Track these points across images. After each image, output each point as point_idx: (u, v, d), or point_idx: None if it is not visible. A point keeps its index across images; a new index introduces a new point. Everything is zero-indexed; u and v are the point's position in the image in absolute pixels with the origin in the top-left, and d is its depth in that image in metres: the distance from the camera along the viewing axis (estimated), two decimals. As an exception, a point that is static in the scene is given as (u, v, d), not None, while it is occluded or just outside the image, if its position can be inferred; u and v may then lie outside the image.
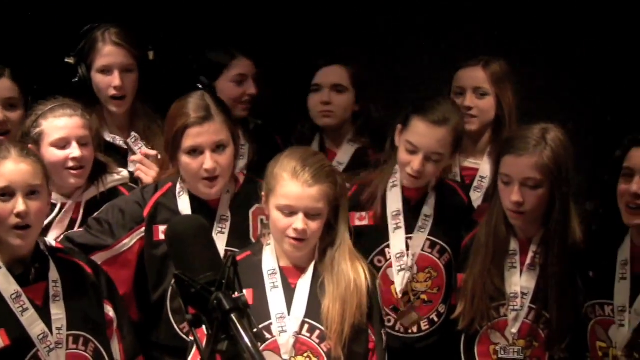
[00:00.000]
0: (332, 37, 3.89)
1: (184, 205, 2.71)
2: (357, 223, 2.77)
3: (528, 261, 2.63)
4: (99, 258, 2.63)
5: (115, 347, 2.49)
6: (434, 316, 2.81)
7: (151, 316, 2.72)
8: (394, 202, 2.80)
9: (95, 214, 2.73)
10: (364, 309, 2.49)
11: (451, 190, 2.90)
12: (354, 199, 2.78)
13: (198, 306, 1.82)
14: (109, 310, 2.49)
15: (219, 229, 2.69)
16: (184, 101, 2.67)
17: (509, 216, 2.60)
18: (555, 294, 2.58)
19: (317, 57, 3.37)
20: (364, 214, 2.81)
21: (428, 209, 2.81)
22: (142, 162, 2.95)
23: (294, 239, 2.46)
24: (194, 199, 2.71)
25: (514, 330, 2.62)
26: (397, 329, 2.80)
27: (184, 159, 2.64)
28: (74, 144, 2.73)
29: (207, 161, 2.61)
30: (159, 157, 2.94)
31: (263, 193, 2.54)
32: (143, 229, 2.68)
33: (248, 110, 3.31)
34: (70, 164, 2.73)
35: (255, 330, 1.73)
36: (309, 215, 2.45)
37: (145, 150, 3.02)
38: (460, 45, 3.76)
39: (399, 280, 2.77)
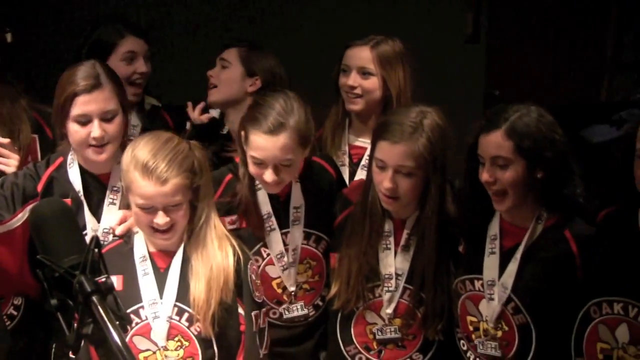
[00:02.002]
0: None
1: (75, 176, 2.69)
2: (230, 227, 2.70)
3: (402, 242, 2.64)
4: None
5: None
6: (318, 301, 2.80)
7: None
8: (263, 205, 2.74)
9: None
10: (231, 287, 2.46)
11: (319, 168, 2.86)
12: (224, 204, 2.72)
13: (63, 290, 1.80)
14: None
15: (111, 200, 2.67)
16: (74, 69, 2.64)
17: (382, 200, 2.60)
18: (431, 275, 2.60)
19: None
20: (234, 217, 2.74)
21: (296, 201, 2.75)
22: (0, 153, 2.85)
23: (159, 231, 2.43)
24: (84, 170, 2.69)
25: (389, 310, 2.64)
26: (284, 318, 2.77)
27: (72, 126, 2.61)
28: None
29: (95, 129, 2.59)
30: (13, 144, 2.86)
31: (123, 184, 2.50)
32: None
33: (139, 95, 3.26)
34: None
35: (120, 313, 1.73)
36: (169, 208, 2.41)
37: None
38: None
39: (287, 278, 2.75)
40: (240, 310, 2.50)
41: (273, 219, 2.74)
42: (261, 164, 2.62)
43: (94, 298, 1.72)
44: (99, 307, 1.71)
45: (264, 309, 2.58)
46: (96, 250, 1.80)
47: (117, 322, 1.73)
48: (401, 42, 3.14)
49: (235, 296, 2.48)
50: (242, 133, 2.66)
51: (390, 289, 2.63)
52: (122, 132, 2.67)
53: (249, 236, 2.74)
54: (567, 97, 4.58)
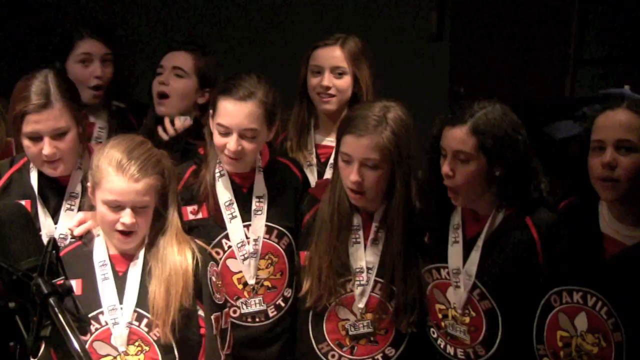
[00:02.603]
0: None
1: (34, 181, 2.68)
2: (191, 217, 2.72)
3: (371, 236, 2.65)
4: None
5: None
6: (280, 301, 2.78)
7: None
8: (225, 191, 2.74)
9: None
10: (190, 292, 2.47)
11: (284, 167, 2.88)
12: (186, 192, 2.73)
13: (22, 293, 1.79)
14: None
15: (68, 206, 2.66)
16: (27, 83, 2.62)
17: (349, 195, 2.62)
18: (400, 267, 2.62)
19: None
20: (196, 207, 2.75)
21: (259, 190, 2.77)
22: None
23: (122, 233, 2.43)
24: (43, 175, 2.68)
25: (361, 305, 2.65)
26: (243, 319, 2.76)
27: (25, 142, 2.62)
28: None
29: (46, 147, 2.58)
30: None
31: (89, 184, 2.49)
32: None
33: (98, 98, 3.21)
34: None
35: (79, 315, 1.73)
36: (136, 209, 2.42)
37: None
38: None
39: (247, 269, 2.74)
40: (201, 313, 2.51)
41: (235, 206, 2.74)
42: (226, 133, 2.65)
43: (51, 300, 1.73)
44: (56, 309, 1.72)
45: (225, 310, 2.59)
46: (54, 252, 1.81)
47: (76, 324, 1.73)
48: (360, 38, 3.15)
49: (195, 300, 2.49)
50: (211, 111, 2.71)
51: (362, 282, 2.64)
52: (74, 147, 2.65)
53: (211, 226, 2.74)
54: (531, 94, 4.62)
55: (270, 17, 4.93)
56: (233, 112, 2.64)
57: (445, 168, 2.48)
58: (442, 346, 2.63)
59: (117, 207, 2.41)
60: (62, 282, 1.80)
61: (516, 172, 2.48)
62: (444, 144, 2.49)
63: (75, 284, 2.41)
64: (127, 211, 2.41)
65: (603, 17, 4.69)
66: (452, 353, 2.61)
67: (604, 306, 2.32)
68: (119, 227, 2.42)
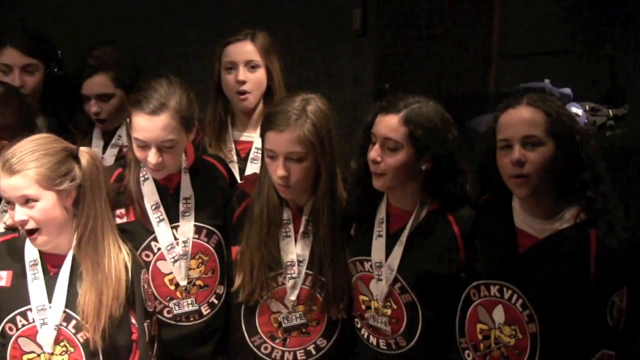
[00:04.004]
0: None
1: None
2: (118, 221, 2.69)
3: (301, 229, 2.67)
4: None
5: None
6: (213, 299, 2.79)
7: None
8: (150, 195, 2.73)
9: None
10: (122, 299, 2.47)
11: (210, 165, 2.88)
12: (114, 197, 2.70)
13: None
14: None
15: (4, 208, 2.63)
16: None
17: (278, 190, 2.63)
18: (328, 258, 2.65)
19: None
20: (123, 210, 2.73)
21: (185, 192, 2.76)
22: None
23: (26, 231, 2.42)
24: None
25: (293, 297, 2.67)
26: (177, 319, 2.75)
27: None
28: None
29: None
30: None
31: None
32: None
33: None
34: None
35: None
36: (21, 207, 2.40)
37: None
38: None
39: (178, 271, 2.73)
40: (133, 320, 2.51)
41: (161, 209, 2.73)
42: (144, 146, 2.63)
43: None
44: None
45: (154, 317, 2.61)
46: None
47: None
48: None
49: (127, 307, 2.49)
50: (127, 119, 2.68)
51: (293, 275, 2.66)
52: None
53: (139, 230, 2.73)
54: (455, 88, 4.67)
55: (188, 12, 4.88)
56: (147, 127, 2.60)
57: (373, 154, 2.51)
58: (365, 336, 2.67)
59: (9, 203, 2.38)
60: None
61: (442, 168, 2.52)
62: (375, 130, 2.53)
63: (6, 275, 2.45)
64: (17, 208, 2.39)
65: (525, 11, 4.77)
66: (374, 343, 2.65)
67: (519, 299, 2.37)
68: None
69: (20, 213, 2.39)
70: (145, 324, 2.52)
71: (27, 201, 2.39)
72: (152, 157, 2.61)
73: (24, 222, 2.39)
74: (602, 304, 2.31)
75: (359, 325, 2.69)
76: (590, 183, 2.34)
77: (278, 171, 2.57)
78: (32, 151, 2.40)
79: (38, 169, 2.39)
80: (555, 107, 2.36)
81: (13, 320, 2.45)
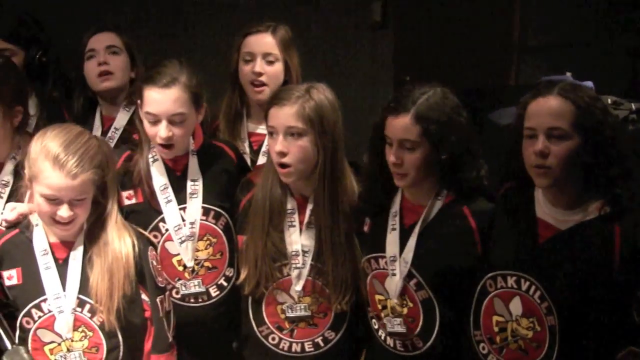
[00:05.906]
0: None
1: None
2: (127, 202, 2.74)
3: (306, 219, 2.66)
4: None
5: None
6: (222, 281, 2.80)
7: None
8: (159, 176, 2.76)
9: None
10: (132, 278, 2.49)
11: (218, 150, 2.88)
12: (121, 178, 2.73)
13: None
14: None
15: None
16: None
17: (278, 173, 2.62)
18: (329, 250, 2.63)
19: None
20: (132, 192, 2.76)
21: (193, 173, 2.78)
22: None
23: (60, 223, 2.43)
24: None
25: (298, 288, 2.66)
26: (186, 299, 2.78)
27: None
28: None
29: None
30: None
31: (25, 171, 2.47)
32: None
33: None
34: None
35: (7, 301, 1.66)
36: (74, 202, 2.42)
37: None
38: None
39: (185, 252, 2.75)
40: (145, 297, 2.53)
41: (169, 190, 2.76)
42: (155, 121, 2.67)
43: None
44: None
45: (167, 292, 2.63)
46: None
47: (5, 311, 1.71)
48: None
49: (138, 285, 2.52)
50: (139, 101, 2.73)
51: (298, 265, 2.65)
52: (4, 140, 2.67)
53: (147, 210, 2.75)
54: (476, 81, 4.64)
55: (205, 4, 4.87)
56: (159, 100, 2.67)
57: (392, 158, 2.48)
58: (382, 337, 2.63)
59: (54, 200, 2.40)
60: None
61: (460, 155, 2.49)
62: (389, 133, 2.50)
63: (16, 273, 2.47)
64: (65, 206, 2.41)
65: (546, 3, 4.73)
66: (392, 345, 2.61)
67: (537, 290, 2.34)
68: (57, 218, 2.41)
69: (69, 210, 2.40)
70: (158, 299, 2.55)
71: (80, 200, 2.43)
72: (163, 130, 2.66)
73: (70, 217, 2.42)
74: (627, 300, 2.27)
75: (376, 326, 2.65)
76: (619, 179, 2.30)
77: (277, 146, 2.56)
78: (86, 152, 2.44)
79: (95, 169, 2.44)
80: (587, 99, 2.30)
81: (29, 314, 2.47)
